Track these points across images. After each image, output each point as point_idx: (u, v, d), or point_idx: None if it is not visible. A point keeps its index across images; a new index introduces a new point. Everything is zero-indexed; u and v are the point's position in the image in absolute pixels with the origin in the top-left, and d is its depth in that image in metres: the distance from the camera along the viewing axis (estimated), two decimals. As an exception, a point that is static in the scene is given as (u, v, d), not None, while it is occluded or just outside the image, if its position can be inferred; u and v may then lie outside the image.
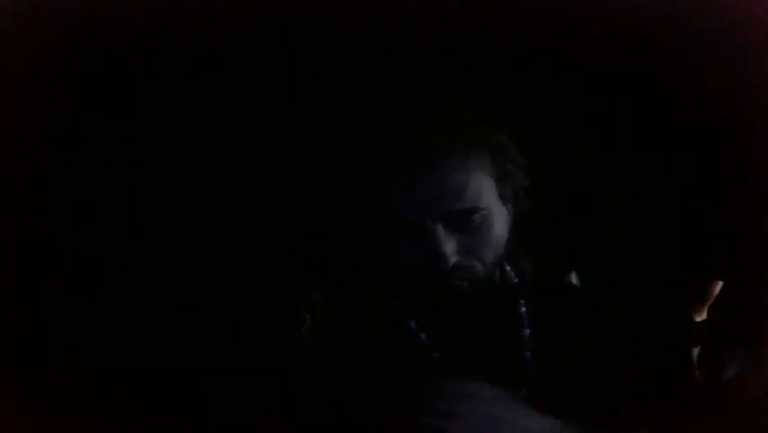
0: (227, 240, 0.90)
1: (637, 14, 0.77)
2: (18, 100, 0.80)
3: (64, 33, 0.78)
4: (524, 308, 0.74)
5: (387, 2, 0.79)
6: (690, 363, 0.83)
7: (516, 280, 0.77)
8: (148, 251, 0.89)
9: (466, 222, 0.67)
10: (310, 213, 0.76)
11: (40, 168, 0.84)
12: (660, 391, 0.73)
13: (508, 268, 0.77)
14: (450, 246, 0.66)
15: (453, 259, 0.66)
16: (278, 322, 0.72)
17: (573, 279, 0.98)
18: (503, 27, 0.81)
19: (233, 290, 0.83)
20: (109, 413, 0.76)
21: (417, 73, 0.83)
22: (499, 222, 0.69)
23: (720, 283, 0.91)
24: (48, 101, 0.82)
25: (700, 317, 0.90)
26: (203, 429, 0.66)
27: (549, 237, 0.72)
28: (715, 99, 0.81)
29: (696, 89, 0.82)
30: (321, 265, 0.76)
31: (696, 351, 0.85)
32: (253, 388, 0.68)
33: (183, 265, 0.89)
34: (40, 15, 0.76)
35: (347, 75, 0.84)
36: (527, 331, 0.73)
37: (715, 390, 0.77)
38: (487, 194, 0.68)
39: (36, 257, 0.85)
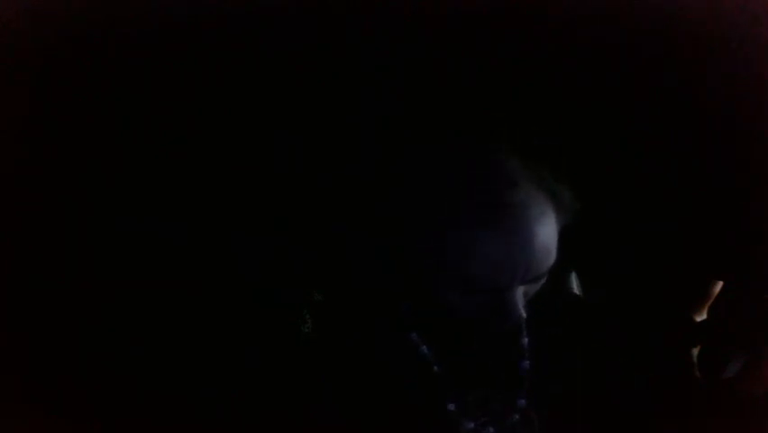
0: (233, 239, 0.90)
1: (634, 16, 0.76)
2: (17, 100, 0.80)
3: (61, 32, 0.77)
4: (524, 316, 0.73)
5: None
6: (690, 363, 0.83)
7: None
8: (148, 250, 0.89)
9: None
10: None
11: (39, 168, 0.84)
12: (660, 391, 0.73)
13: None
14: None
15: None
16: (280, 322, 0.71)
17: (573, 279, 0.99)
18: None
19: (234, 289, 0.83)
20: (109, 414, 0.76)
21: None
22: None
23: (720, 283, 0.91)
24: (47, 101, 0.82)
25: (700, 317, 0.90)
26: (203, 430, 0.66)
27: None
28: (715, 99, 0.81)
29: (695, 88, 0.82)
30: (325, 266, 0.75)
31: (696, 351, 0.85)
32: (253, 388, 0.68)
33: (186, 264, 0.89)
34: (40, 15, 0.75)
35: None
36: (526, 340, 0.71)
37: (715, 390, 0.77)
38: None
39: (35, 257, 0.85)
